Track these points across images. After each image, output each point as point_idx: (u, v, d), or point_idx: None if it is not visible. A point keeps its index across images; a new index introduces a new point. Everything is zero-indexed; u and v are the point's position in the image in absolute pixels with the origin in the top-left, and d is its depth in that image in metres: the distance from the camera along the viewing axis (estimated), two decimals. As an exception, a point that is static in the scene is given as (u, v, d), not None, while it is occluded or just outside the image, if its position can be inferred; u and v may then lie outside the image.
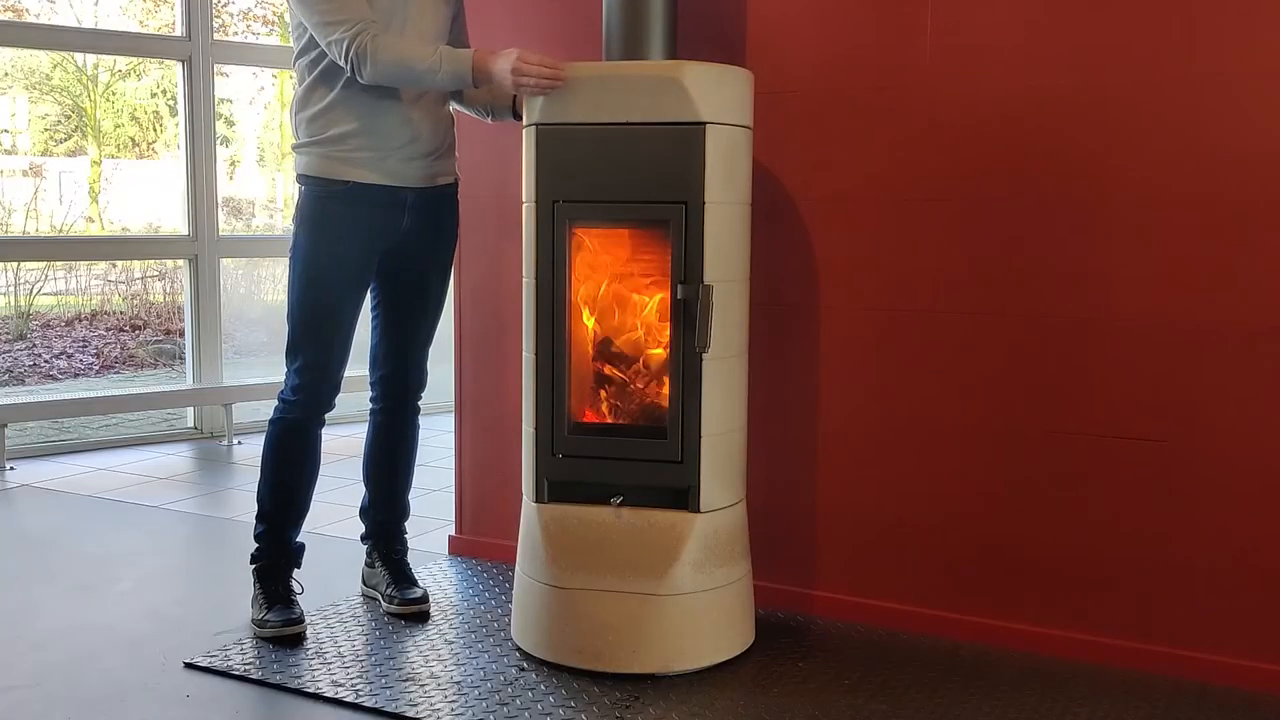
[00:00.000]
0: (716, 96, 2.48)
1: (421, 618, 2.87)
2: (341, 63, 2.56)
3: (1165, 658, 2.56)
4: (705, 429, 2.53)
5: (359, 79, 2.58)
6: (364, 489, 3.05)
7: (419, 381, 2.99)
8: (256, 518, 2.84)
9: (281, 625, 2.74)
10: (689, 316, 2.49)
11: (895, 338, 2.79)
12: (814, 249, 2.86)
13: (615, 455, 2.59)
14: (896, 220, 2.76)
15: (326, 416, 2.84)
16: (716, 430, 2.56)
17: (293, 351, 2.75)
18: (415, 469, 3.07)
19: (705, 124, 2.45)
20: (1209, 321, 2.48)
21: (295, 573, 2.87)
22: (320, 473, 2.86)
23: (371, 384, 3.00)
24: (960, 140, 2.68)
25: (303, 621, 2.77)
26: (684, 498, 2.55)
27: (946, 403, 2.75)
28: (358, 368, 2.87)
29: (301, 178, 2.73)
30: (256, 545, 2.84)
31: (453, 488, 3.45)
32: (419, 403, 3.02)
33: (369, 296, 2.89)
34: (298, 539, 2.87)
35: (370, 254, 2.78)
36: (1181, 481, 2.53)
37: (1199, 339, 2.49)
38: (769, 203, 2.86)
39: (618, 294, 2.68)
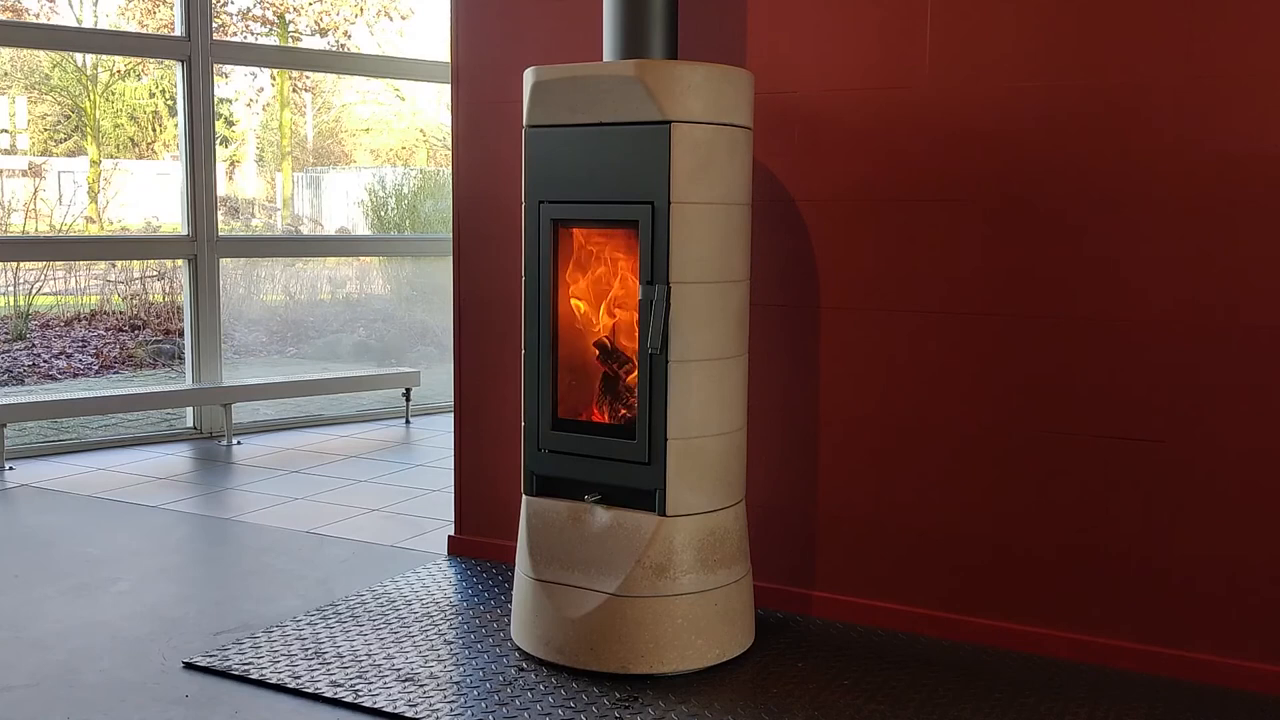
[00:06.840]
0: (688, 95, 2.44)
1: None
2: None
3: (1165, 658, 2.56)
4: (675, 432, 2.51)
5: None
6: None
7: None
8: None
9: None
10: (645, 317, 2.50)
11: (896, 339, 2.79)
12: (815, 250, 2.86)
13: (591, 453, 2.61)
14: (898, 221, 2.76)
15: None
16: (695, 434, 2.53)
17: None
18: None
19: (670, 123, 2.43)
20: (1211, 322, 2.48)
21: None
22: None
23: None
24: (961, 142, 2.67)
25: None
26: (651, 499, 2.54)
27: (947, 403, 2.75)
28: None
29: None
30: None
31: (452, 488, 3.45)
32: None
33: None
34: None
35: None
36: (1182, 482, 2.53)
37: (1200, 339, 2.49)
38: (770, 203, 2.86)
39: (620, 292, 2.68)
